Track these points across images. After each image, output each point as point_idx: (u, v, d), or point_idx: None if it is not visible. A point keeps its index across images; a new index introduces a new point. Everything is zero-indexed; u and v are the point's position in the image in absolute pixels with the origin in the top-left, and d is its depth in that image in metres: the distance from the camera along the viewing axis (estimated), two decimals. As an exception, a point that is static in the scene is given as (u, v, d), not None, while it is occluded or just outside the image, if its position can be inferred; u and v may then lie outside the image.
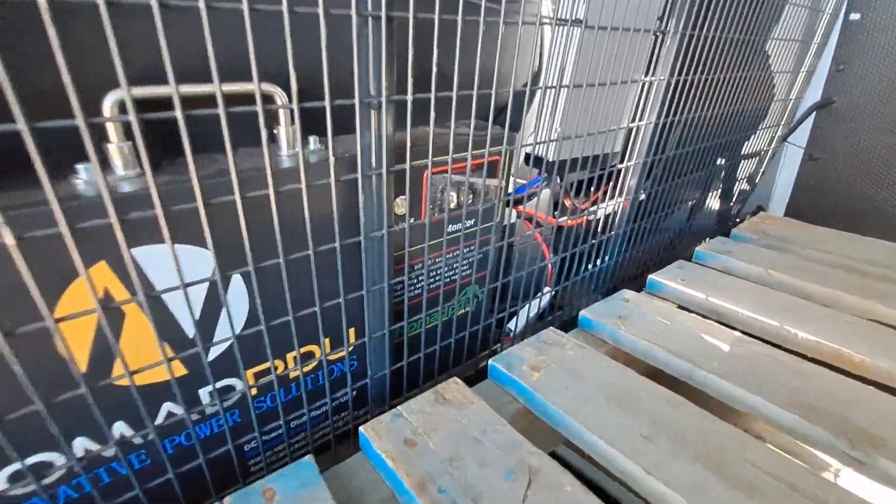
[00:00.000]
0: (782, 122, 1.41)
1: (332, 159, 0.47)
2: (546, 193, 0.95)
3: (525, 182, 0.86)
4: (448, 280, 0.74)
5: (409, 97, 0.50)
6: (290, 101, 0.41)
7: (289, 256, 0.47)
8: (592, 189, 0.99)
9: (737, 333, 0.75)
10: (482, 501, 0.47)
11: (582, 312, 0.83)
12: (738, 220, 1.55)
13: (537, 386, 0.63)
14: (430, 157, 0.56)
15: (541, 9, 0.80)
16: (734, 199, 1.49)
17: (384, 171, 0.53)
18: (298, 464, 0.54)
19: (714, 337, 0.74)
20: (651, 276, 0.95)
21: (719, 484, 0.49)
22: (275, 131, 0.54)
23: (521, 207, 0.89)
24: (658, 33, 0.77)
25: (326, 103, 0.44)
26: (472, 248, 0.75)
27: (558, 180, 0.92)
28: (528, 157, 0.82)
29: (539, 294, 0.89)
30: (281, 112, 0.53)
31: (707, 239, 1.40)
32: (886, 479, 0.53)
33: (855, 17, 1.39)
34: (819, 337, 0.74)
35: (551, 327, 0.78)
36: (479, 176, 0.71)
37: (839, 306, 0.88)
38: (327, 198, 0.49)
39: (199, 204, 0.39)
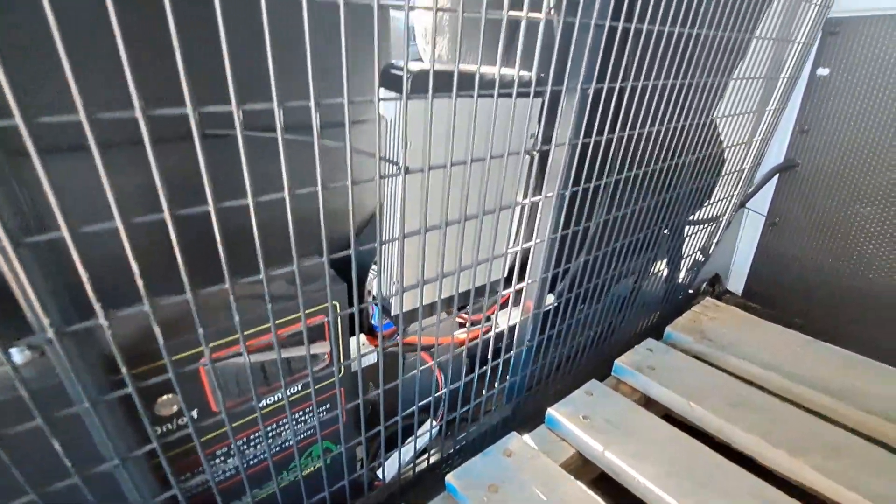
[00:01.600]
0: (736, 191, 1.27)
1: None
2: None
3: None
4: (258, 460, 0.61)
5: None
6: None
7: None
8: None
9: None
10: None
11: (450, 476, 0.69)
12: (690, 290, 1.41)
13: None
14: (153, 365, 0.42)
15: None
16: (685, 272, 1.35)
17: (86, 402, 0.39)
18: None
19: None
20: (550, 410, 0.81)
21: None
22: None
23: (391, 345, 0.75)
24: (534, 153, 0.63)
25: None
26: (306, 410, 0.62)
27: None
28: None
29: (413, 438, 0.76)
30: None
31: (652, 315, 1.26)
32: None
33: (823, 72, 1.24)
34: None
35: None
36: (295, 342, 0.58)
37: (762, 459, 0.74)
38: None
39: None
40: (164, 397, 0.48)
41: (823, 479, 0.69)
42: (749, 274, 1.50)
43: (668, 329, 1.06)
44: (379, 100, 0.46)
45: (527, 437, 0.78)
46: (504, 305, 0.90)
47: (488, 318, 0.85)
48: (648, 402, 0.90)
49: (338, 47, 0.35)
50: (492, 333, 0.79)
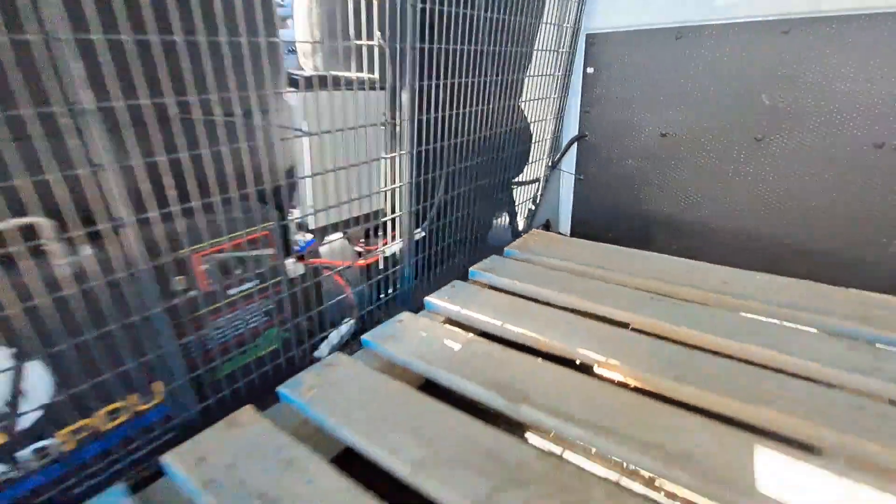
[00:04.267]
0: (545, 156, 1.81)
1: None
2: (341, 243, 1.20)
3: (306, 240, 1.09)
4: (236, 332, 0.95)
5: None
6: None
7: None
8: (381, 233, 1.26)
9: (470, 336, 1.05)
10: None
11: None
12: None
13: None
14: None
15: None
16: (525, 216, 1.86)
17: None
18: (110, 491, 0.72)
19: (455, 340, 1.03)
20: (427, 298, 1.23)
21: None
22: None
23: (311, 260, 1.12)
24: (387, 125, 1.05)
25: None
26: (264, 299, 0.97)
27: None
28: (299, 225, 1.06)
29: (336, 326, 1.13)
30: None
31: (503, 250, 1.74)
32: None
33: (590, 70, 1.82)
34: (524, 328, 1.07)
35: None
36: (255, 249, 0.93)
37: (555, 302, 1.23)
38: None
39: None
40: (179, 277, 0.82)
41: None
42: (572, 219, 2.06)
43: (506, 248, 1.54)
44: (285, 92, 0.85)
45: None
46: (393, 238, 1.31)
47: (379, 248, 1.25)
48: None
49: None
50: (368, 258, 1.19)
